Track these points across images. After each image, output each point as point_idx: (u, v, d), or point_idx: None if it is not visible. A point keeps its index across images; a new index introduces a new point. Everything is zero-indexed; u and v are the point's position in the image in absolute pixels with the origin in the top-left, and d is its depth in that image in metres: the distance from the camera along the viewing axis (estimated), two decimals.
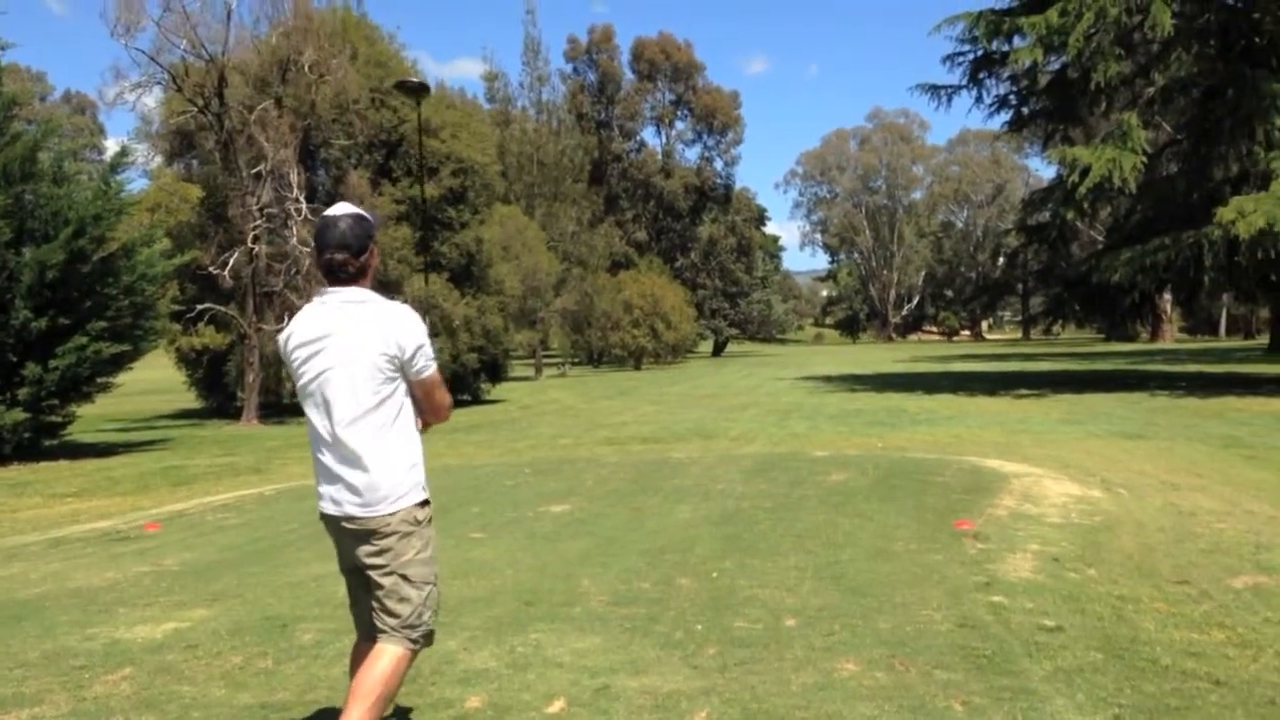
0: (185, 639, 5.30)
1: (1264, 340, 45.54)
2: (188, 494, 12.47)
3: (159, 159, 29.97)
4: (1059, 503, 8.71)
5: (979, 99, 28.87)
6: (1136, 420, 17.06)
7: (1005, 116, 29.64)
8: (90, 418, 21.13)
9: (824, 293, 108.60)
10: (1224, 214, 19.89)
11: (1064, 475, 10.35)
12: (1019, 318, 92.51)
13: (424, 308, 28.89)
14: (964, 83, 28.52)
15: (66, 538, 9.10)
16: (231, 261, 25.43)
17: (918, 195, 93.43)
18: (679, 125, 73.61)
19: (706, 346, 66.04)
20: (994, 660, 4.50)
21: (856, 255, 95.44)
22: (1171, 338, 58.36)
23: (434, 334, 29.10)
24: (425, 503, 3.29)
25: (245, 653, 5.00)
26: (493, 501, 9.82)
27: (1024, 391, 23.62)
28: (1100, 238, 36.96)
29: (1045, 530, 7.52)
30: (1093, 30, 23.03)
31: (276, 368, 28.13)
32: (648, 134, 74.03)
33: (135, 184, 32.65)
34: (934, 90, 29.54)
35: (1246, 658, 4.55)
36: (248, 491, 12.01)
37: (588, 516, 8.77)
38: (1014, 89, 28.99)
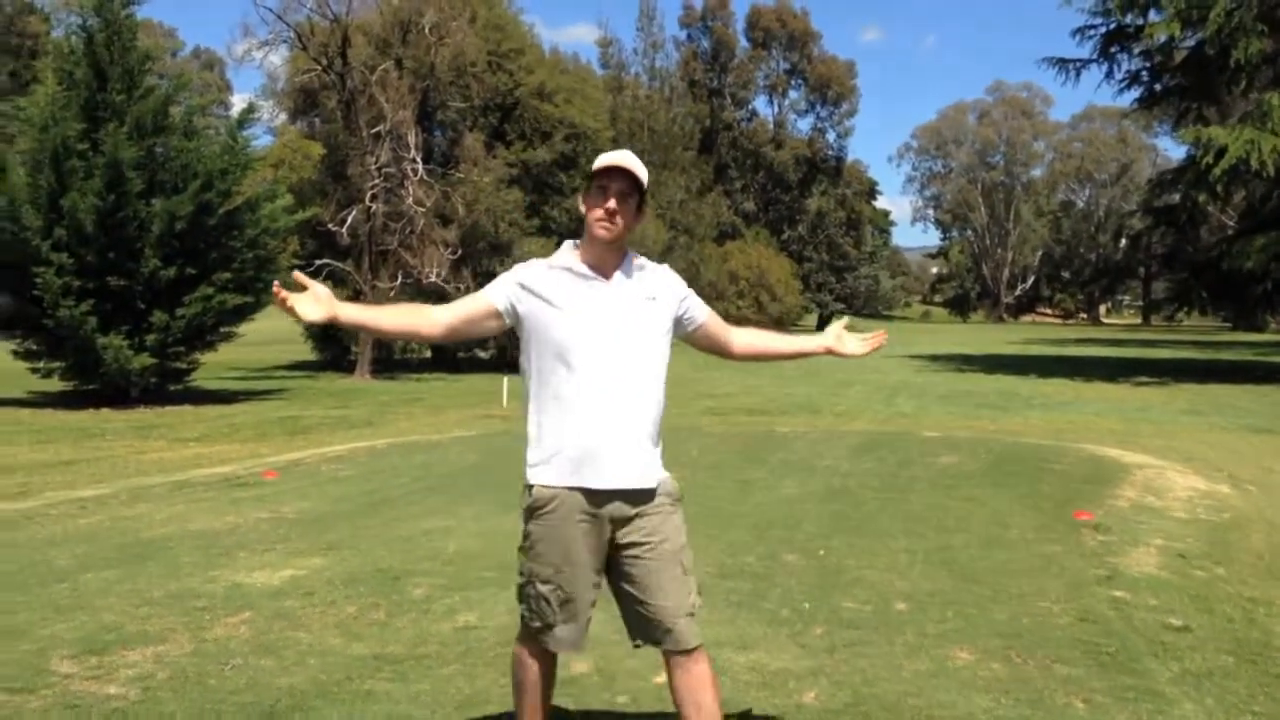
0: (302, 586, 5.44)
1: None
2: (304, 443, 12.83)
3: (283, 116, 30.79)
4: (1184, 496, 8.37)
5: (1109, 74, 27.80)
6: (1265, 414, 16.32)
7: (1136, 93, 28.50)
8: (212, 365, 21.89)
9: (934, 270, 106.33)
10: None
11: (1188, 468, 9.95)
12: (1139, 302, 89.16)
13: None
14: (1094, 57, 27.47)
15: (189, 481, 9.43)
16: (350, 219, 25.99)
17: (1037, 172, 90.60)
18: (792, 95, 72.67)
19: (811, 320, 65.35)
20: (1117, 658, 4.34)
21: (970, 232, 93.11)
22: None
23: None
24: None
25: (359, 603, 5.11)
26: None
27: (1145, 379, 22.80)
28: (1231, 223, 35.34)
29: (1170, 525, 7.24)
30: (1234, 5, 21.91)
31: None
32: (760, 103, 73.33)
33: (260, 140, 33.59)
34: (1062, 64, 28.54)
35: None
36: (360, 444, 12.30)
37: (693, 487, 8.74)
38: (1147, 64, 27.79)
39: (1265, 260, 21.33)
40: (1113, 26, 26.60)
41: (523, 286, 2.87)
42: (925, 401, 17.94)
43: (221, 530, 7.02)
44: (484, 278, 28.38)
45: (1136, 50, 27.12)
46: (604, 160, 2.85)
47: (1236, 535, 7.01)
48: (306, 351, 30.70)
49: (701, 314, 3.08)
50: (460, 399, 19.78)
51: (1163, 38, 24.17)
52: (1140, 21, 25.27)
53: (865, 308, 71.77)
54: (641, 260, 2.95)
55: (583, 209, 2.86)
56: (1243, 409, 17.12)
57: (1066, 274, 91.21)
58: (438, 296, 27.05)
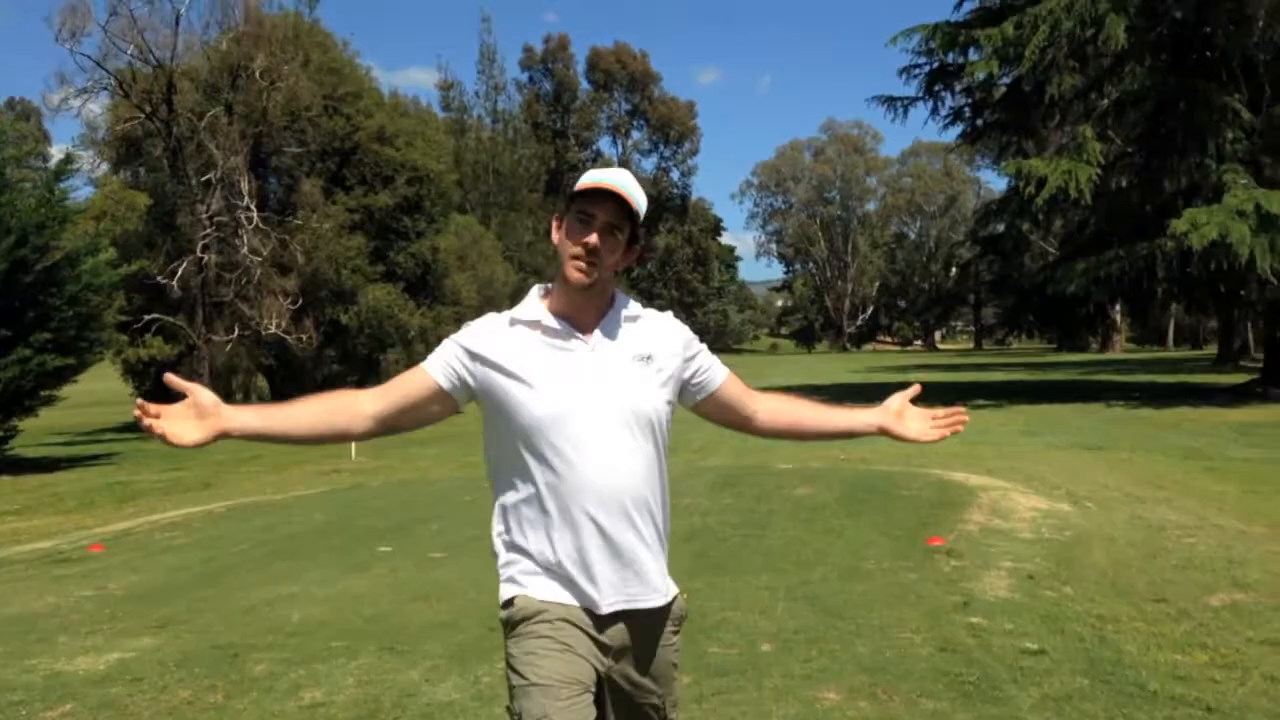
0: (130, 671, 5.01)
1: (1212, 350, 46.26)
2: (134, 511, 12.07)
3: (105, 166, 29.40)
4: (1028, 517, 8.62)
5: (934, 111, 29.00)
6: (1095, 431, 17.13)
7: (959, 129, 29.86)
8: (33, 430, 20.52)
9: (779, 303, 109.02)
10: (1177, 226, 20.08)
11: (1029, 488, 10.29)
12: (971, 328, 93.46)
13: (378, 318, 28.56)
14: (920, 95, 28.65)
15: (7, 559, 8.72)
16: (180, 271, 24.91)
17: (871, 206, 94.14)
18: (635, 135, 73.76)
19: None
20: (979, 687, 4.35)
21: (811, 265, 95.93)
22: (1121, 348, 59.19)
23: (390, 344, 28.74)
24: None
25: (194, 686, 4.73)
26: (452, 519, 9.56)
27: (981, 402, 23.70)
28: (1052, 249, 37.34)
29: (1018, 546, 7.41)
30: (1047, 43, 23.22)
31: (226, 379, 27.63)
32: (604, 144, 74.07)
33: (81, 192, 32.00)
34: (890, 102, 29.65)
35: (1234, 681, 4.44)
36: (196, 509, 11.64)
37: None
38: (969, 101, 29.17)
39: (1086, 283, 22.52)
40: (936, 65, 27.81)
41: (473, 355, 2.21)
42: None
43: (40, 612, 6.46)
44: (328, 327, 27.67)
45: (959, 88, 28.42)
46: (590, 180, 2.21)
47: (1080, 552, 7.23)
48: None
49: (717, 376, 2.41)
50: (304, 454, 19.01)
51: (982, 75, 25.38)
52: (961, 60, 26.50)
53: (715, 343, 72.68)
54: (634, 307, 2.31)
55: (555, 239, 2.24)
56: (1075, 427, 17.93)
57: (903, 303, 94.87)
58: (279, 348, 26.19)
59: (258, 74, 26.34)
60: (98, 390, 28.22)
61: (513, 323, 2.24)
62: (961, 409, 2.54)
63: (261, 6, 28.42)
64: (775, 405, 2.50)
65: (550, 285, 2.28)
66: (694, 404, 2.41)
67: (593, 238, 2.15)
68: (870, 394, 26.76)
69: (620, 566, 2.19)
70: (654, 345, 2.27)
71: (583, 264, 2.16)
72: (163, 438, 2.08)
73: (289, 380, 29.66)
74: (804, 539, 7.81)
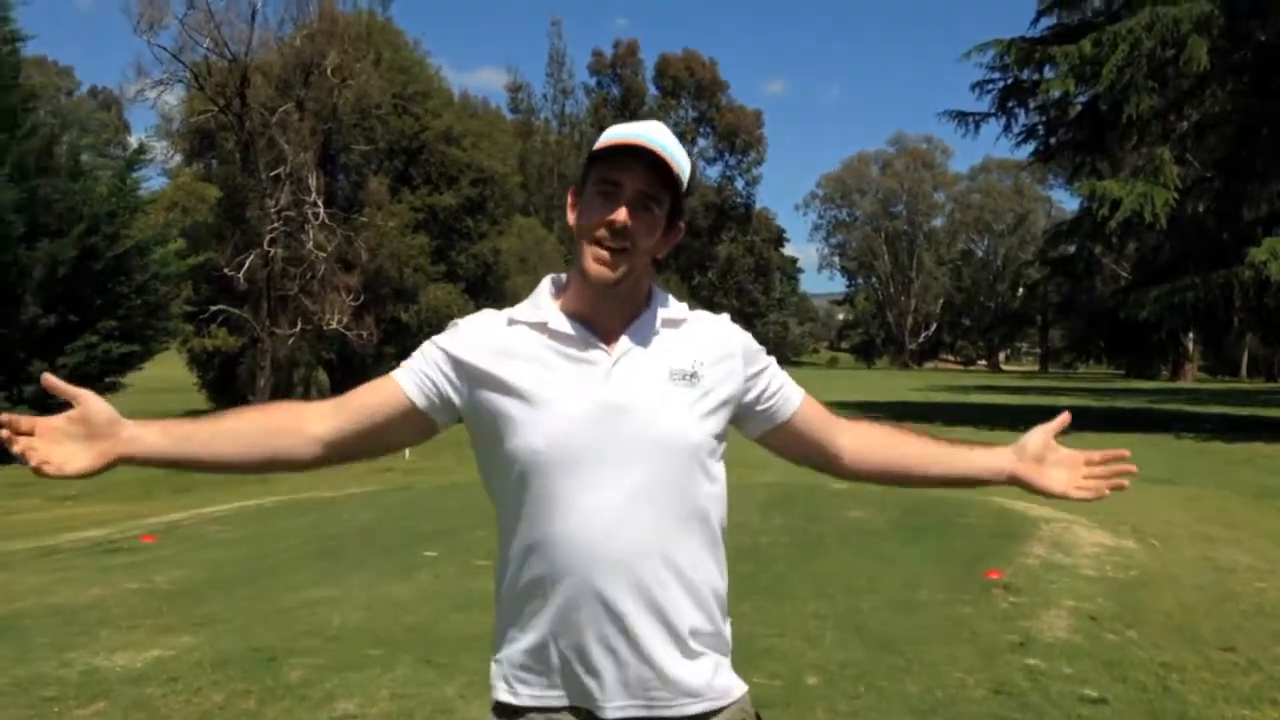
0: (167, 670, 4.97)
1: None
2: (189, 502, 12.19)
3: (178, 157, 29.92)
4: (1091, 553, 8.32)
5: (1007, 127, 28.48)
6: (1164, 464, 16.61)
7: (1032, 146, 29.29)
8: None
9: (840, 316, 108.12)
10: (1256, 254, 19.47)
11: (1093, 522, 9.95)
12: (1037, 350, 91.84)
13: (438, 318, 28.69)
14: (992, 110, 28.16)
15: (58, 546, 8.81)
16: (247, 264, 25.23)
17: (938, 222, 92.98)
18: (701, 143, 73.52)
19: None
20: None
21: (874, 280, 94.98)
22: (1193, 377, 57.76)
23: None
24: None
25: (228, 689, 4.68)
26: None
27: None
28: (1124, 273, 36.53)
29: (1079, 584, 7.14)
30: (1126, 62, 22.66)
31: (288, 372, 27.95)
32: None
33: (153, 182, 32.62)
34: (961, 117, 29.20)
35: None
36: (248, 503, 11.72)
37: None
38: (1043, 119, 28.61)
39: (1159, 310, 21.93)
40: (1010, 81, 27.33)
41: (457, 363, 1.71)
42: None
43: (85, 604, 6.47)
44: (388, 324, 27.89)
45: (1033, 105, 27.89)
46: (614, 137, 1.71)
47: (1145, 594, 6.94)
48: (201, 400, 29.63)
49: (791, 400, 1.87)
50: None
51: (1058, 93, 24.86)
52: (1036, 77, 26.00)
53: (774, 354, 72.08)
54: (676, 307, 1.80)
55: (570, 218, 1.75)
56: (1143, 459, 17.09)
57: (967, 321, 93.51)
58: (340, 343, 26.44)
59: (329, 71, 26.61)
60: (164, 377, 28.71)
61: (511, 323, 1.73)
62: (1126, 454, 1.98)
63: (336, 4, 28.74)
64: (867, 440, 1.93)
65: (565, 275, 1.78)
66: (759, 435, 1.87)
67: (620, 213, 1.64)
68: (932, 414, 26.46)
69: (636, 660, 1.64)
70: (701, 358, 1.73)
71: (606, 251, 1.65)
72: (37, 470, 1.59)
73: (349, 375, 29.94)
74: (855, 565, 7.60)
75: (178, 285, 20.59)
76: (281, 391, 26.89)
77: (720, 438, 1.76)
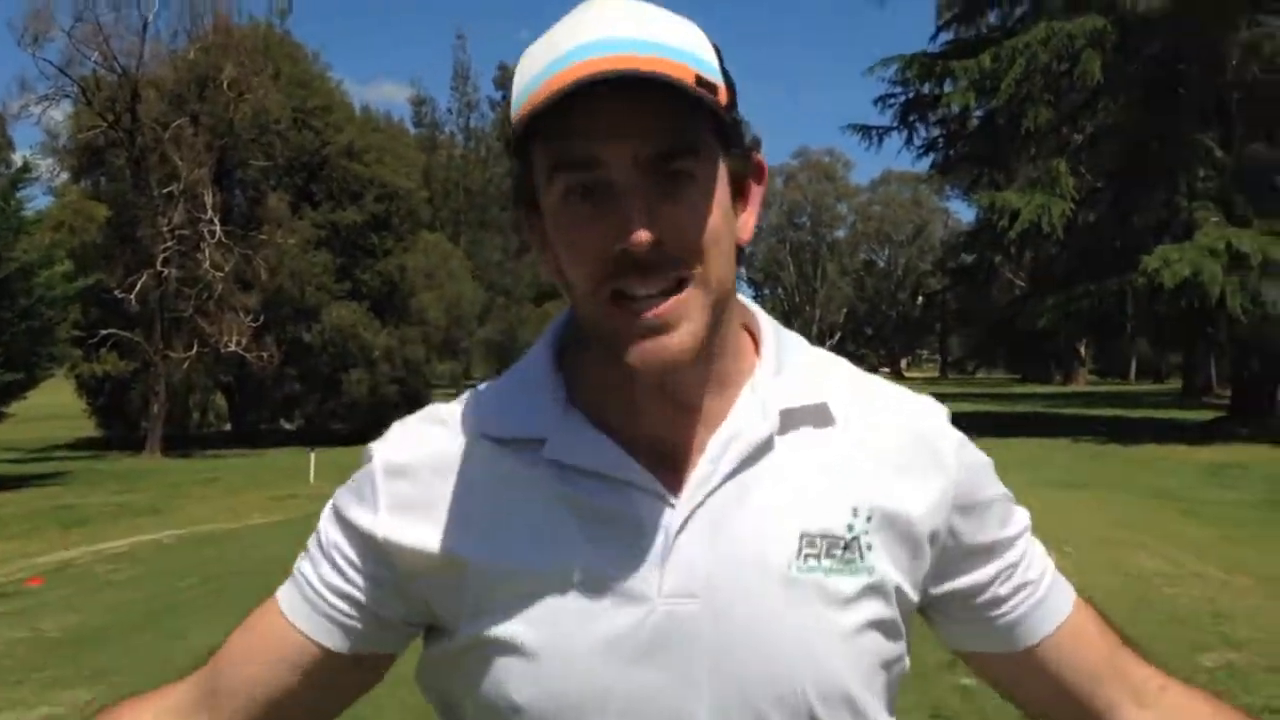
0: None
1: (1175, 385, 46.57)
2: (80, 538, 11.59)
3: (65, 175, 28.74)
4: None
5: (909, 140, 29.06)
6: (1064, 468, 16.99)
7: (933, 159, 29.93)
8: None
9: None
10: (1149, 262, 20.08)
11: None
12: (937, 356, 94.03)
13: (341, 337, 28.11)
14: (895, 124, 28.71)
15: None
16: (139, 285, 24.33)
17: (841, 233, 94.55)
18: None
19: None
20: None
21: (780, 290, 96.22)
22: (1084, 380, 59.55)
23: (351, 365, 28.28)
24: None
25: None
26: None
27: None
28: (1020, 281, 37.52)
29: None
30: (1023, 76, 23.28)
31: (184, 396, 27.04)
32: None
33: (39, 201, 31.33)
34: (865, 130, 29.69)
35: None
36: (144, 538, 11.19)
37: None
38: (943, 132, 29.27)
39: (1056, 319, 22.52)
40: (911, 96, 27.89)
41: (383, 554, 0.93)
42: None
43: None
44: (290, 345, 27.17)
45: (933, 118, 28.50)
46: (547, 68, 0.82)
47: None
48: (91, 427, 28.46)
49: (1052, 608, 1.01)
50: (261, 477, 18.54)
51: (957, 107, 25.44)
52: (937, 91, 26.55)
53: None
54: (802, 366, 0.98)
55: (545, 263, 0.92)
56: (1045, 463, 17.78)
57: (870, 330, 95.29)
58: (239, 365, 25.63)
59: (225, 85, 25.89)
60: (50, 404, 27.53)
61: (481, 442, 0.93)
62: None
63: (232, 17, 28.04)
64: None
65: (560, 332, 0.98)
66: (966, 647, 1.03)
67: (637, 232, 0.82)
68: None
69: None
70: (869, 497, 0.92)
71: (648, 306, 0.84)
72: None
73: (247, 399, 29.12)
74: None
75: (65, 309, 19.67)
76: (176, 417, 26.04)
77: (899, 665, 0.94)
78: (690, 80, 0.81)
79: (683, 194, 0.84)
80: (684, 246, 0.84)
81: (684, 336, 0.84)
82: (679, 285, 0.84)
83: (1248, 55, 21.47)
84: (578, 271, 0.85)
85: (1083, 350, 47.91)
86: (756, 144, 0.96)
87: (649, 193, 0.82)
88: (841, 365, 1.02)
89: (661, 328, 0.84)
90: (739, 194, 0.92)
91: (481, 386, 1.00)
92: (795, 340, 1.01)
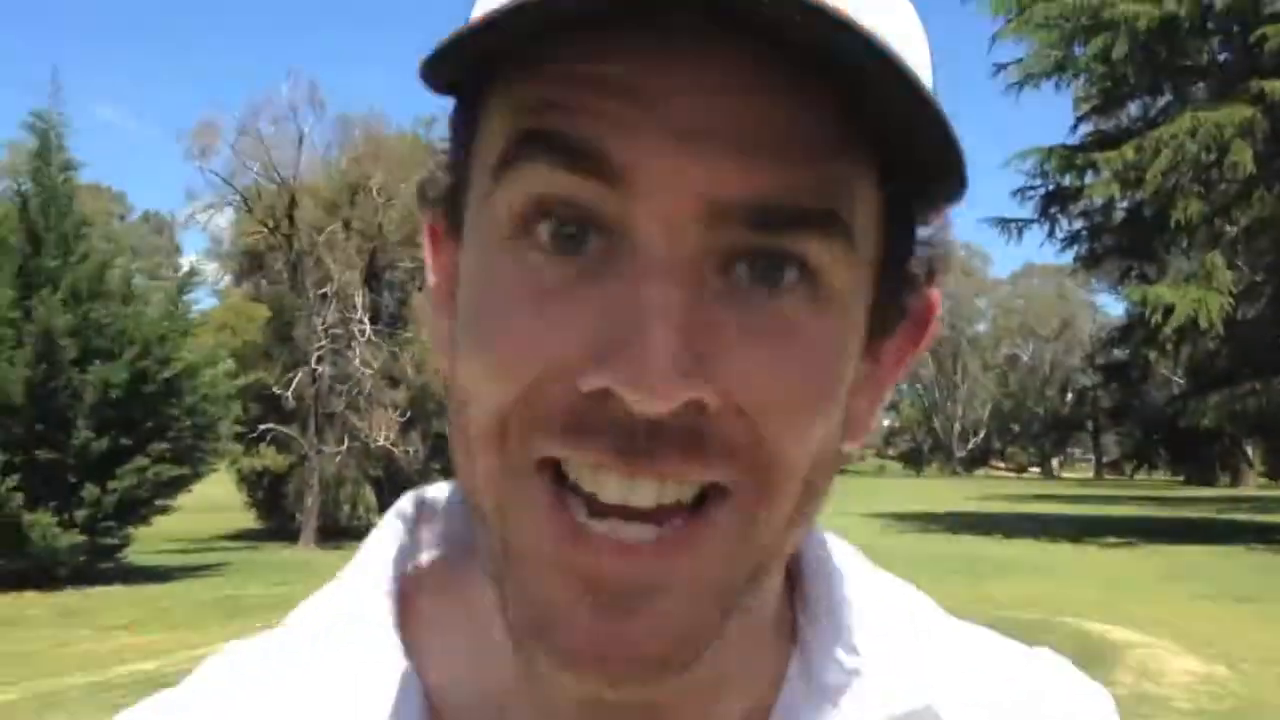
0: None
1: None
2: (240, 628, 11.93)
3: (228, 278, 30.49)
4: (1182, 682, 7.87)
5: (1051, 233, 28.41)
6: (1242, 579, 15.95)
7: (1076, 251, 29.14)
8: (149, 538, 20.83)
9: (885, 423, 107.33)
10: None
11: (1180, 646, 9.46)
12: (1090, 456, 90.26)
13: None
14: (1035, 216, 28.15)
15: (110, 681, 8.61)
16: (295, 382, 25.40)
17: (981, 328, 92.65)
18: None
19: None
20: None
21: (919, 386, 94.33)
22: (1254, 483, 56.17)
23: None
24: None
25: None
26: None
27: (1111, 540, 22.44)
28: (1176, 378, 35.92)
29: (1174, 718, 6.70)
30: (1170, 167, 22.62)
31: (336, 490, 27.87)
32: None
33: (204, 303, 33.21)
34: (1004, 223, 29.17)
35: None
36: None
37: None
38: (1086, 225, 28.52)
39: (1220, 417, 21.47)
40: (1052, 188, 27.37)
41: None
42: (893, 566, 17.32)
43: None
44: (434, 440, 27.85)
45: (1075, 210, 27.85)
46: None
47: None
48: (249, 519, 29.54)
49: None
50: None
51: (1101, 199, 24.85)
52: (1078, 183, 26.00)
53: None
54: (885, 639, 0.56)
55: (441, 360, 0.50)
56: (1220, 574, 16.74)
57: (1016, 427, 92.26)
58: (386, 460, 26.36)
59: (375, 191, 27.18)
60: (212, 495, 28.73)
61: None
62: None
63: (381, 128, 29.57)
64: None
65: (420, 522, 0.61)
66: None
67: (668, 389, 0.39)
68: (991, 525, 25.69)
69: None
70: None
71: (609, 551, 0.42)
72: None
73: (395, 493, 29.68)
74: None
75: (227, 406, 20.65)
76: (329, 510, 26.79)
77: None
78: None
79: (783, 315, 0.42)
80: (745, 428, 0.41)
81: (678, 626, 0.42)
82: (699, 501, 0.42)
83: None
84: (489, 389, 0.42)
85: (1250, 451, 45.26)
86: (938, 260, 0.50)
87: (712, 290, 0.41)
88: (930, 613, 0.63)
89: (636, 596, 0.41)
90: (877, 343, 0.50)
91: (239, 655, 0.59)
92: (842, 554, 0.59)
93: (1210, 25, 24.17)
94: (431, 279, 0.51)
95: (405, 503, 0.61)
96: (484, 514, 0.42)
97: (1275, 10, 22.21)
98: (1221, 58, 24.63)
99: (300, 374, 25.63)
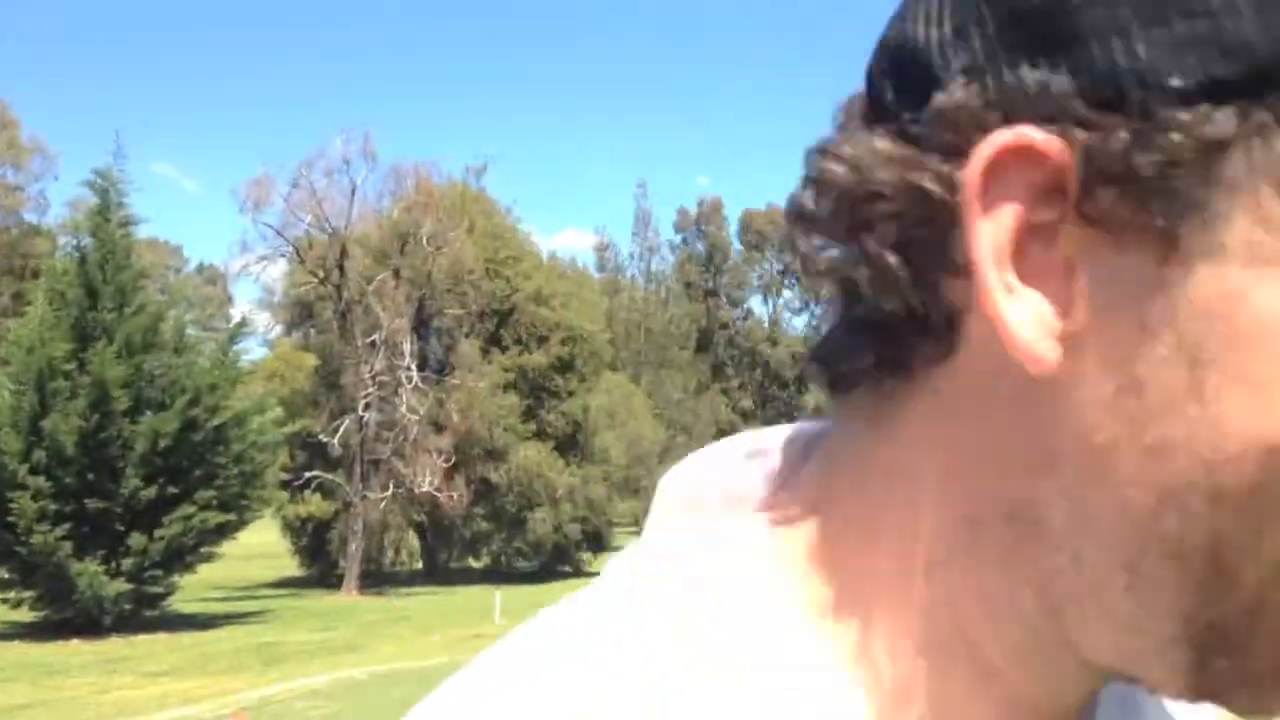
0: None
1: None
2: (279, 674, 11.98)
3: (279, 328, 30.92)
4: None
5: None
6: None
7: None
8: (194, 585, 21.06)
9: None
10: None
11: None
12: None
13: (527, 477, 28.67)
14: None
15: None
16: (342, 429, 25.60)
17: None
18: (786, 294, 73.96)
19: None
20: None
21: None
22: None
23: (536, 504, 28.71)
24: None
25: None
26: None
27: None
28: None
29: None
30: None
31: (379, 535, 27.96)
32: (755, 302, 74.55)
33: (255, 352, 33.70)
34: None
35: None
36: (339, 674, 11.47)
37: None
38: None
39: None
40: None
41: None
42: None
43: None
44: (478, 484, 27.93)
45: None
46: None
47: None
48: (293, 567, 29.73)
49: None
50: (450, 617, 18.86)
51: None
52: None
53: None
54: None
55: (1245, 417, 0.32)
56: None
57: None
58: (430, 505, 26.46)
59: (425, 240, 27.47)
60: (257, 543, 28.97)
61: None
62: None
63: (432, 177, 29.91)
64: None
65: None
66: None
67: None
68: None
69: None
70: None
71: None
72: None
73: (439, 537, 29.84)
74: None
75: (275, 453, 20.90)
76: (372, 555, 26.88)
77: None
78: None
79: None
80: None
81: None
82: None
83: None
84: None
85: None
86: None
87: None
88: None
89: None
90: None
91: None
92: None
93: None
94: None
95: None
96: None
97: None
98: None
99: (347, 421, 25.83)
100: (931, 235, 0.35)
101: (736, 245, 73.14)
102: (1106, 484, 0.34)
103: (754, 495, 0.42)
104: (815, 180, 0.38)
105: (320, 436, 25.42)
